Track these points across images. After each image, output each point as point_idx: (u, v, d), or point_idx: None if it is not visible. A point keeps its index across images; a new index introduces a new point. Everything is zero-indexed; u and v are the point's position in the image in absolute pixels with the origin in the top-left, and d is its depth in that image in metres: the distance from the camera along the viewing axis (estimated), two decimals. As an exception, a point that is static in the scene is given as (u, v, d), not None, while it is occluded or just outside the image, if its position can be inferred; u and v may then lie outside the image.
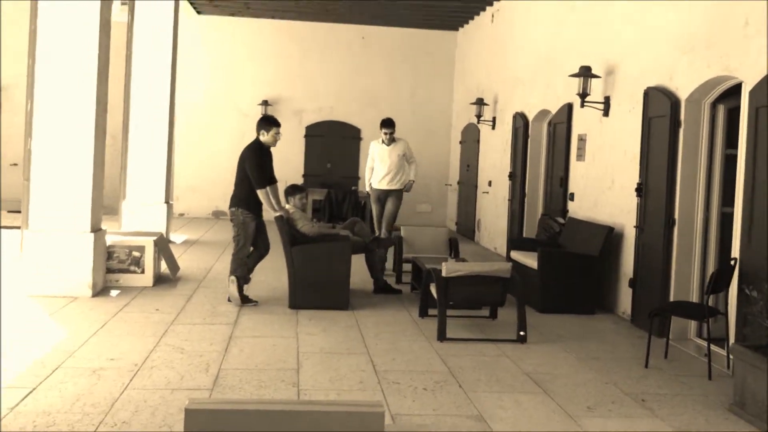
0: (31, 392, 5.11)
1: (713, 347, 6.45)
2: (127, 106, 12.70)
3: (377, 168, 10.58)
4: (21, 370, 5.57)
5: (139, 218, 12.31)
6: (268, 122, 8.32)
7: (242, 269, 8.13)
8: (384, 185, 10.56)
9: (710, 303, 6.58)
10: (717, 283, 6.12)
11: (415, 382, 5.65)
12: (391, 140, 10.51)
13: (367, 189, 10.83)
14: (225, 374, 5.69)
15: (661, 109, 7.66)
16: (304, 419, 4.09)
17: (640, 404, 5.37)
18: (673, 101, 7.47)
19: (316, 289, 8.02)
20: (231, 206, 8.25)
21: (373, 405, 4.28)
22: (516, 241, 10.23)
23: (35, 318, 7.19)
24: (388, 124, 10.55)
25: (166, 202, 12.82)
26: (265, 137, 8.22)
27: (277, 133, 8.29)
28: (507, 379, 5.85)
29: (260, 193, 8.09)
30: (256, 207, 8.18)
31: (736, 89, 6.96)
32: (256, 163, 8.10)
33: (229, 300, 8.13)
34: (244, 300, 8.06)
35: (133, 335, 6.72)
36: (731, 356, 6.15)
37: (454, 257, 9.32)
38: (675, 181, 7.41)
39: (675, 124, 7.43)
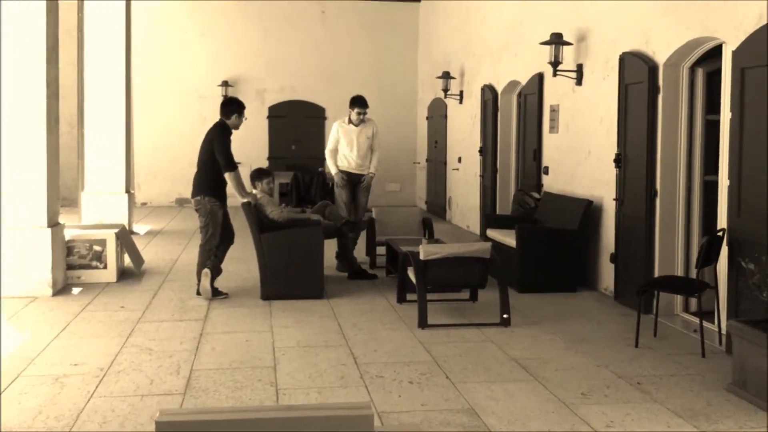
0: (-12, 407, 4.74)
1: (697, 321, 6.23)
2: (81, 93, 12.19)
3: (344, 151, 9.44)
4: (-23, 382, 5.18)
5: (99, 209, 11.85)
6: (241, 106, 7.91)
7: (213, 261, 7.76)
8: (355, 169, 9.47)
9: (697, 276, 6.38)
10: (707, 256, 5.90)
11: (399, 374, 5.36)
12: (361, 121, 9.44)
13: (333, 173, 9.53)
14: (198, 375, 5.35)
15: (638, 75, 7.40)
16: (287, 426, 3.78)
17: (636, 387, 5.14)
18: (651, 66, 7.21)
19: (289, 278, 7.69)
20: (195, 195, 7.84)
21: (360, 407, 3.97)
22: (491, 218, 9.95)
23: (-9, 322, 6.78)
24: (361, 103, 9.37)
25: (127, 191, 12.36)
26: (234, 120, 7.82)
27: (245, 118, 7.94)
28: (495, 366, 5.58)
29: (230, 176, 7.69)
30: (222, 193, 7.80)
31: (714, 51, 6.73)
32: (225, 145, 7.71)
33: (198, 293, 7.76)
34: (215, 293, 7.70)
35: (97, 336, 6.34)
36: (724, 332, 5.96)
37: (429, 238, 9.04)
38: (655, 149, 7.18)
39: (653, 90, 7.18)
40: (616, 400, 4.90)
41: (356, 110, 9.38)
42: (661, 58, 7.16)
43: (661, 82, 7.14)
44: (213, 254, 7.76)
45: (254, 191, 8.14)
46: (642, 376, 5.38)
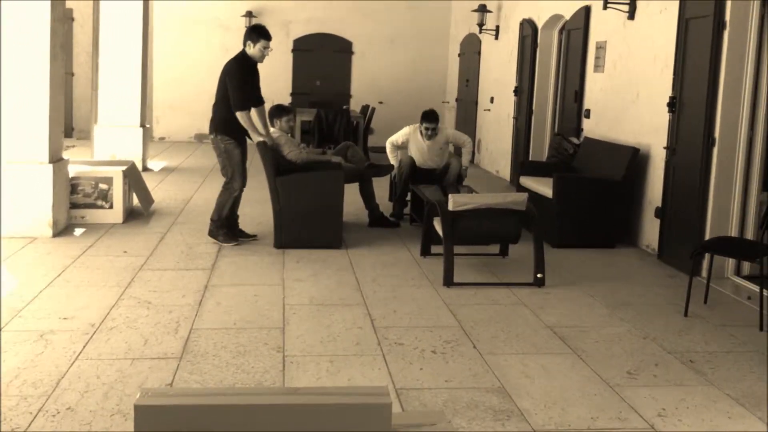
0: (-39, 366, 4.25)
1: (751, 287, 5.59)
2: (96, 21, 11.54)
3: (413, 153, 8.42)
4: (-46, 335, 4.70)
5: (112, 144, 11.35)
6: (257, 32, 7.10)
7: (224, 211, 7.18)
8: (428, 166, 8.45)
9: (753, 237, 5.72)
10: (771, 217, 5.22)
11: (421, 342, 4.79)
12: (430, 136, 8.35)
13: (392, 161, 8.56)
14: (197, 336, 4.82)
15: (701, 9, 6.60)
16: (288, 415, 3.21)
17: (688, 366, 4.53)
18: (718, -2, 6.41)
19: (305, 226, 7.11)
20: (210, 132, 7.25)
21: (377, 393, 3.40)
22: (525, 164, 9.23)
23: (-17, 265, 6.30)
24: (430, 118, 8.29)
25: (142, 125, 11.80)
26: (251, 50, 7.11)
27: (266, 47, 7.10)
28: (528, 335, 4.99)
29: (240, 115, 7.02)
30: (238, 131, 7.14)
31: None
32: (239, 81, 7.00)
33: (209, 236, 7.25)
34: (242, 234, 7.36)
35: (93, 285, 5.83)
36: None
37: (458, 185, 8.40)
38: (717, 93, 6.42)
39: (719, 25, 6.38)
40: (667, 381, 4.30)
41: (424, 125, 8.31)
42: (728, -11, 6.36)
43: (728, 17, 6.34)
44: (234, 199, 7.16)
45: (272, 129, 7.52)
46: (694, 352, 4.77)
